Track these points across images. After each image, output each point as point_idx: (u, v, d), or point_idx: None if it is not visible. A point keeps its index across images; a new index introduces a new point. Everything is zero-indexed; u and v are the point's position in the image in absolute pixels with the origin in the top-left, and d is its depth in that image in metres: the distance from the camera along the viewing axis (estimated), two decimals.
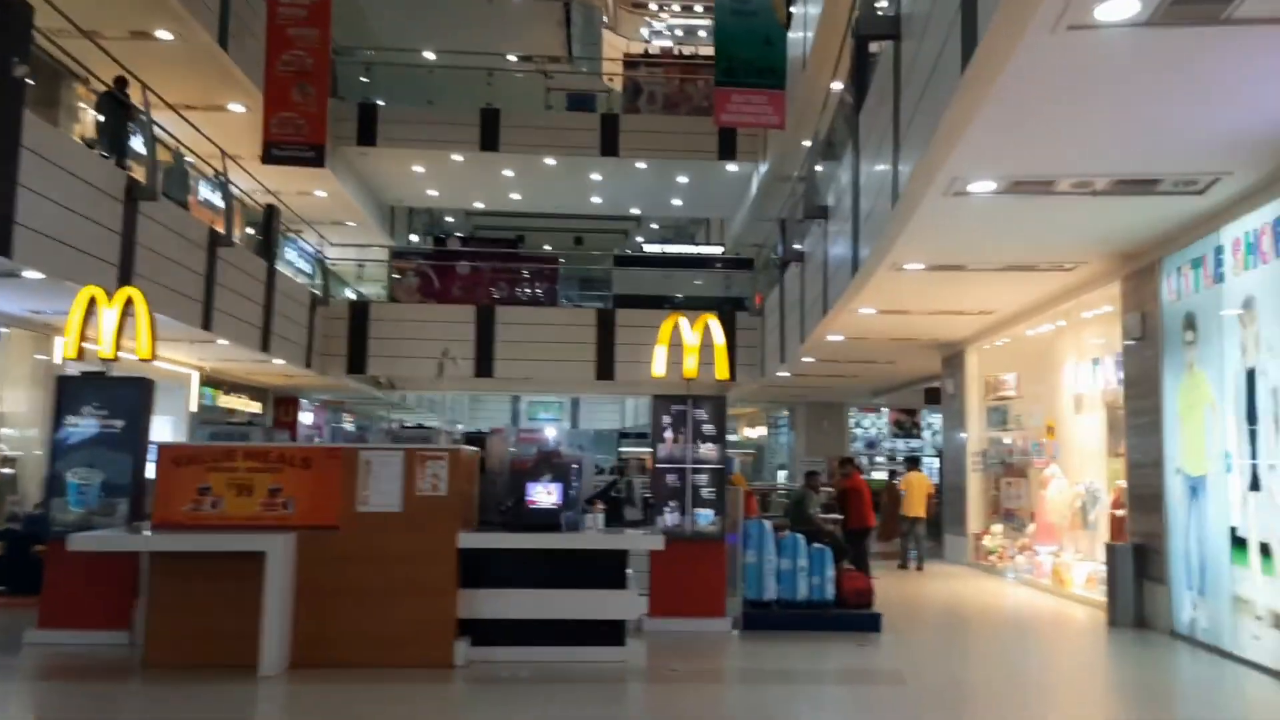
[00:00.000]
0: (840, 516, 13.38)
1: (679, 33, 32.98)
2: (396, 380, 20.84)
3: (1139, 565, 9.67)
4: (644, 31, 32.82)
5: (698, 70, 21.98)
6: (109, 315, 8.60)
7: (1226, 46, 5.16)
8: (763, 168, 20.51)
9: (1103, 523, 11.38)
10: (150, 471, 8.08)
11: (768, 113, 12.90)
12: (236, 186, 15.98)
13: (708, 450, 9.25)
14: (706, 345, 9.49)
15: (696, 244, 26.35)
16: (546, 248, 27.94)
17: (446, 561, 7.33)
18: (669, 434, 9.28)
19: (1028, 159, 7.00)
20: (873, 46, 10.05)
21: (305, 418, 24.78)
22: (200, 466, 7.45)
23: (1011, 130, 6.37)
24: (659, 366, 9.69)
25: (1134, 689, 7.74)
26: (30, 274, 9.66)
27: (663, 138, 20.93)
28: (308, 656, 7.17)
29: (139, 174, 11.66)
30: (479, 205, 26.18)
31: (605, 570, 7.65)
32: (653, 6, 32.89)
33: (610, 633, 7.61)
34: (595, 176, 22.59)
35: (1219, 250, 8.29)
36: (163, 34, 13.61)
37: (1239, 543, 7.94)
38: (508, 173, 22.27)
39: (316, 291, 18.79)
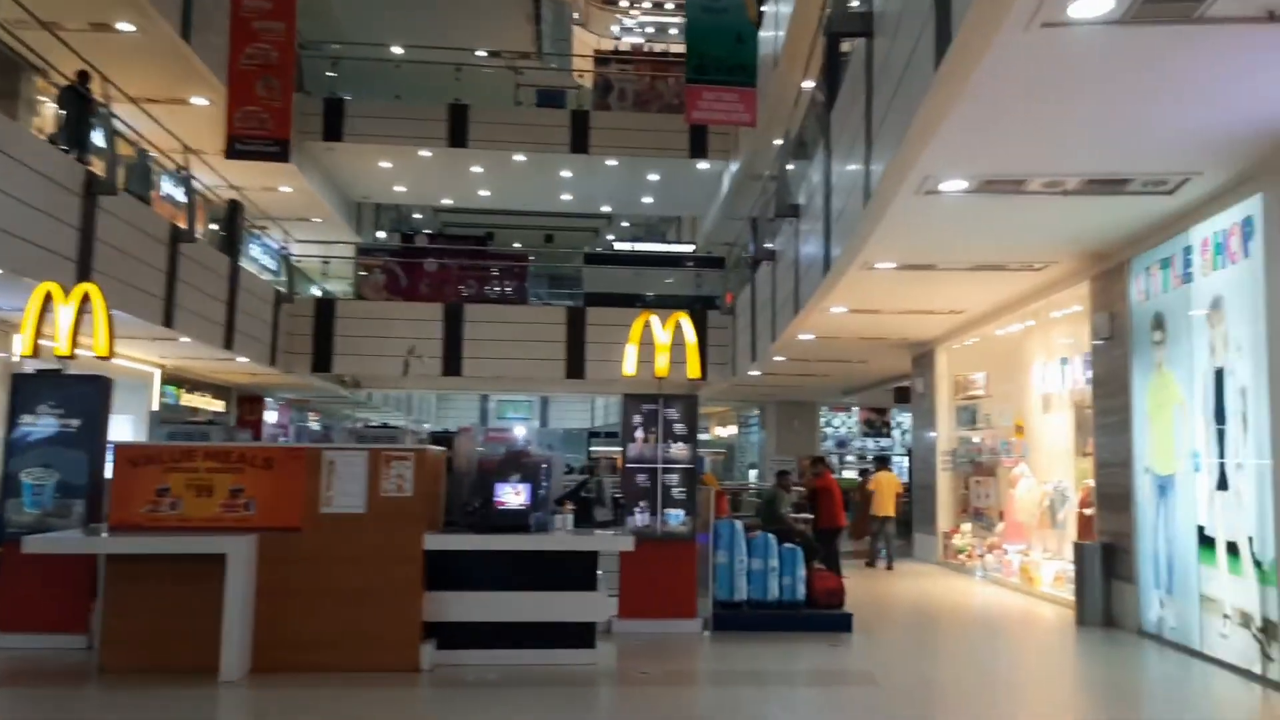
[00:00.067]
0: (811, 516, 13.36)
1: (650, 30, 32.92)
2: (362, 379, 20.61)
3: (1107, 564, 9.70)
4: (614, 28, 32.72)
5: (669, 67, 21.93)
6: (65, 312, 8.41)
7: (1198, 45, 5.14)
8: (734, 166, 20.48)
9: (1071, 522, 11.43)
10: (109, 472, 7.88)
11: (739, 110, 12.84)
12: (199, 181, 15.72)
13: (679, 450, 9.16)
14: (678, 344, 9.42)
15: (668, 242, 26.27)
16: (516, 245, 27.79)
17: (412, 563, 7.19)
18: (640, 433, 9.19)
19: (1000, 158, 6.98)
20: (844, 45, 10.02)
21: (270, 417, 24.46)
22: (158, 467, 7.26)
23: (984, 128, 6.33)
24: (630, 365, 9.60)
25: (1103, 688, 7.75)
26: None
27: (633, 135, 20.84)
28: (269, 661, 7.01)
29: (100, 169, 11.41)
30: (447, 202, 25.97)
31: (575, 572, 7.55)
32: (623, 3, 32.80)
33: (580, 635, 7.51)
34: (565, 173, 22.47)
35: (1188, 250, 8.32)
36: (124, 26, 13.35)
37: (1207, 542, 7.98)
38: (476, 169, 22.10)
39: (281, 289, 18.53)
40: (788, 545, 9.41)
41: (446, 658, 7.30)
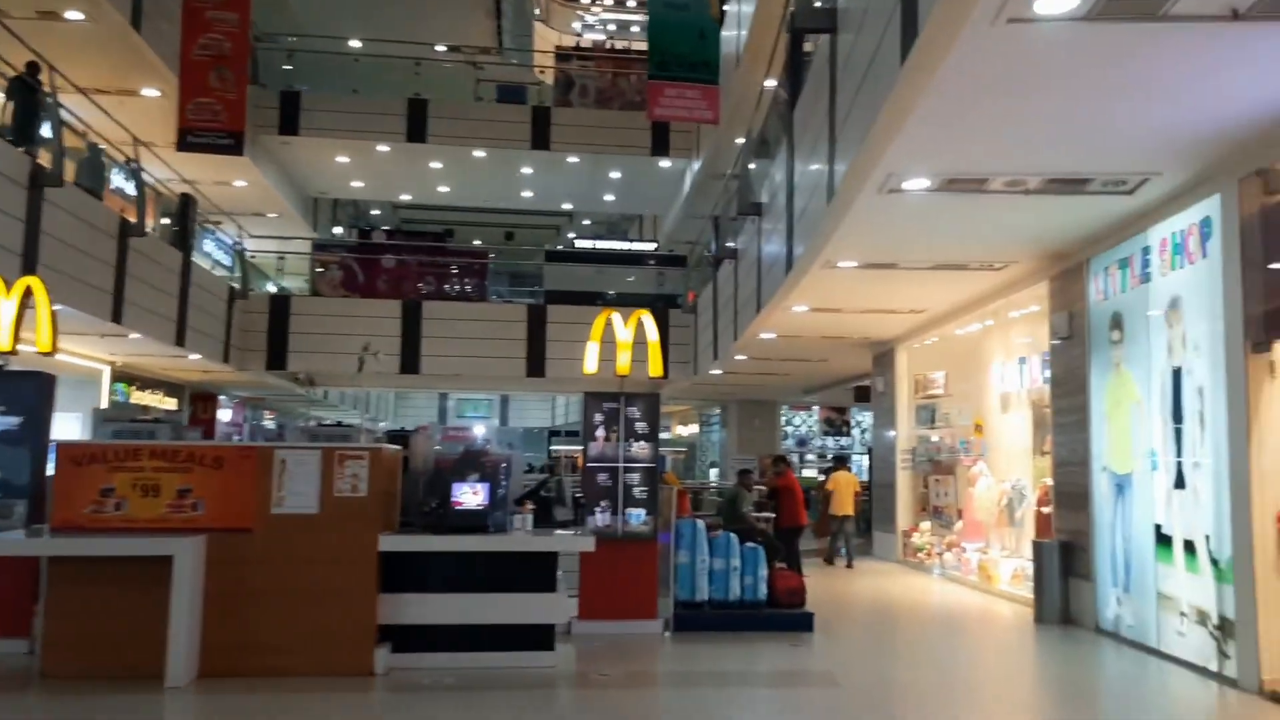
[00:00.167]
0: (773, 515, 13.33)
1: (611, 27, 32.79)
2: (318, 377, 20.28)
3: (1065, 562, 9.75)
4: (576, 25, 32.56)
5: (631, 65, 21.82)
6: (6, 306, 8.14)
7: (1162, 43, 5.14)
8: (696, 165, 20.43)
9: (1029, 520, 11.50)
10: (51, 471, 7.63)
11: (702, 107, 12.77)
12: (150, 175, 15.34)
13: (640, 448, 9.07)
14: (640, 342, 9.32)
15: (629, 240, 26.16)
16: (477, 243, 27.53)
17: (366, 565, 7.03)
18: (601, 432, 9.08)
19: (963, 156, 6.96)
20: (807, 45, 9.99)
21: (224, 415, 24.05)
22: (103, 466, 7.04)
23: (948, 125, 6.30)
24: (591, 363, 9.48)
25: (1062, 686, 7.77)
26: None
27: (595, 132, 20.71)
28: (218, 666, 6.83)
29: (47, 160, 11.08)
30: (406, 198, 25.68)
31: (534, 573, 7.42)
32: (585, 0, 32.65)
33: (539, 637, 7.38)
34: (526, 170, 22.29)
35: (1146, 251, 8.37)
36: (72, 14, 12.98)
37: (1164, 540, 8.03)
38: (436, 164, 21.85)
39: (235, 284, 18.18)
40: (749, 544, 9.35)
41: (401, 661, 7.14)
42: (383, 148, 20.65)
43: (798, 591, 9.39)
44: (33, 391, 8.04)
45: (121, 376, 17.85)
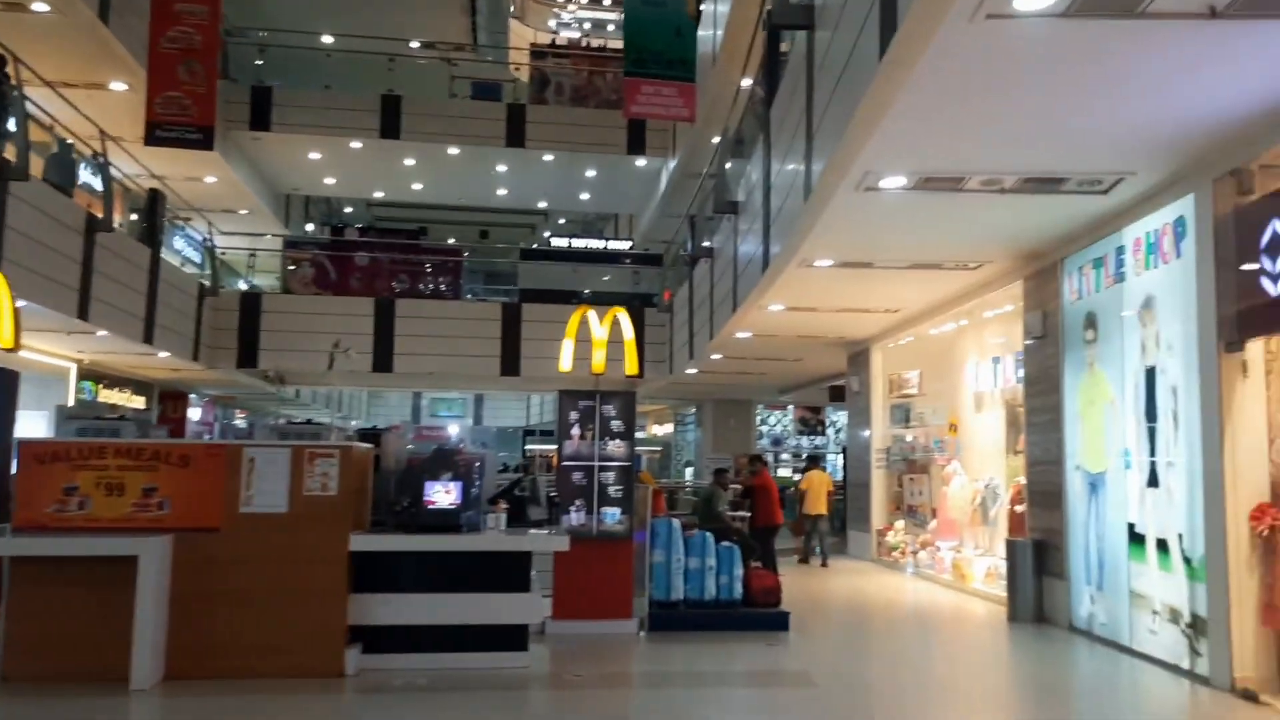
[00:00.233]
0: (748, 514, 13.31)
1: (587, 25, 32.68)
2: (289, 374, 20.06)
3: (1039, 561, 9.78)
4: (551, 23, 32.43)
5: (606, 63, 21.72)
6: None
7: (1140, 40, 5.13)
8: (672, 163, 20.38)
9: (1002, 519, 11.53)
10: (14, 469, 7.45)
11: (678, 105, 12.71)
12: (118, 169, 15.10)
13: (615, 447, 9.00)
14: (615, 341, 9.27)
15: (605, 239, 26.08)
16: (451, 241, 27.33)
17: (336, 565, 6.92)
18: (576, 430, 9.00)
19: (940, 154, 6.94)
20: (784, 45, 9.96)
21: (194, 414, 23.76)
22: (66, 464, 6.89)
23: (926, 122, 6.28)
24: (566, 361, 9.42)
25: (1036, 684, 7.77)
26: None
27: (570, 130, 20.61)
28: (185, 668, 6.71)
29: (11, 154, 10.86)
30: (379, 195, 25.47)
31: (507, 572, 7.34)
32: None
33: (512, 637, 7.30)
34: (501, 168, 22.15)
35: (1120, 250, 8.40)
36: (39, 6, 12.73)
37: (1137, 539, 8.06)
38: (409, 161, 21.67)
39: (205, 281, 17.94)
40: (725, 544, 9.31)
41: (372, 662, 7.04)
42: (356, 144, 20.45)
43: (773, 591, 9.36)
44: None
45: (89, 374, 17.58)
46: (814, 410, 27.47)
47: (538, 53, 22.33)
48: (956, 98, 5.90)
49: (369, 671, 6.97)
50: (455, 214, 28.35)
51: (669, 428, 31.31)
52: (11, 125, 11.17)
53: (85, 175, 14.36)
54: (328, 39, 21.61)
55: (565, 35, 31.59)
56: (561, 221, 29.76)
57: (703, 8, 16.68)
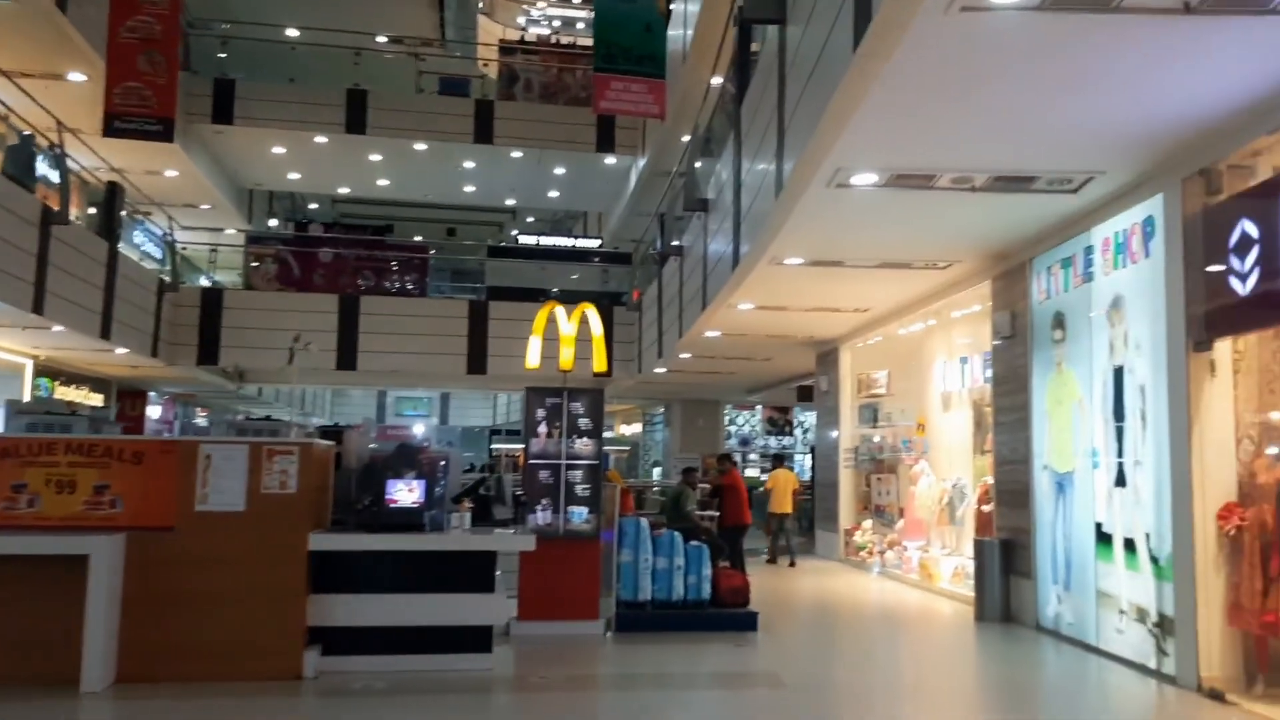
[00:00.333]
0: (716, 514, 13.24)
1: (557, 23, 32.50)
2: (252, 372, 19.74)
3: (1006, 560, 9.78)
4: (520, 19, 32.23)
5: (576, 60, 21.58)
6: None
7: (1115, 36, 5.10)
8: (641, 162, 20.29)
9: (969, 518, 11.54)
10: None
11: (648, 101, 12.61)
12: (76, 161, 14.77)
13: (583, 445, 8.87)
14: (583, 340, 9.15)
15: (574, 237, 25.94)
16: (418, 239, 27.07)
17: (295, 565, 6.75)
18: (543, 428, 8.87)
19: (911, 150, 6.89)
20: (754, 45, 9.90)
21: (153, 412, 23.35)
22: (14, 461, 6.68)
23: (898, 117, 6.23)
24: (533, 358, 9.29)
25: (1003, 684, 7.74)
26: None
27: (539, 127, 20.43)
28: (137, 670, 6.53)
29: None
30: (344, 191, 25.14)
31: (471, 573, 7.20)
32: None
33: (476, 639, 7.16)
34: (468, 164, 21.93)
35: (1089, 250, 8.41)
36: None
37: (1104, 538, 8.06)
38: (375, 157, 21.39)
39: (165, 277, 17.60)
40: (693, 543, 9.21)
41: (332, 665, 6.88)
42: (320, 139, 20.14)
43: (742, 591, 9.28)
44: None
45: (45, 371, 17.21)
46: (782, 410, 27.50)
47: (507, 49, 22.14)
48: (929, 93, 5.84)
49: (328, 674, 6.81)
50: (422, 211, 28.07)
51: (637, 427, 31.23)
52: None
53: (42, 168, 14.02)
54: (293, 32, 21.26)
55: (535, 32, 31.39)
56: (530, 219, 29.57)
57: (673, 6, 16.60)
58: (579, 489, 8.79)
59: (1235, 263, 6.43)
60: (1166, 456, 7.11)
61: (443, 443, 10.36)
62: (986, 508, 10.68)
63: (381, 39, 22.75)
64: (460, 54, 25.54)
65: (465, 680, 6.86)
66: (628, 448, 30.93)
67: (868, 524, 14.72)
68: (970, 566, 10.44)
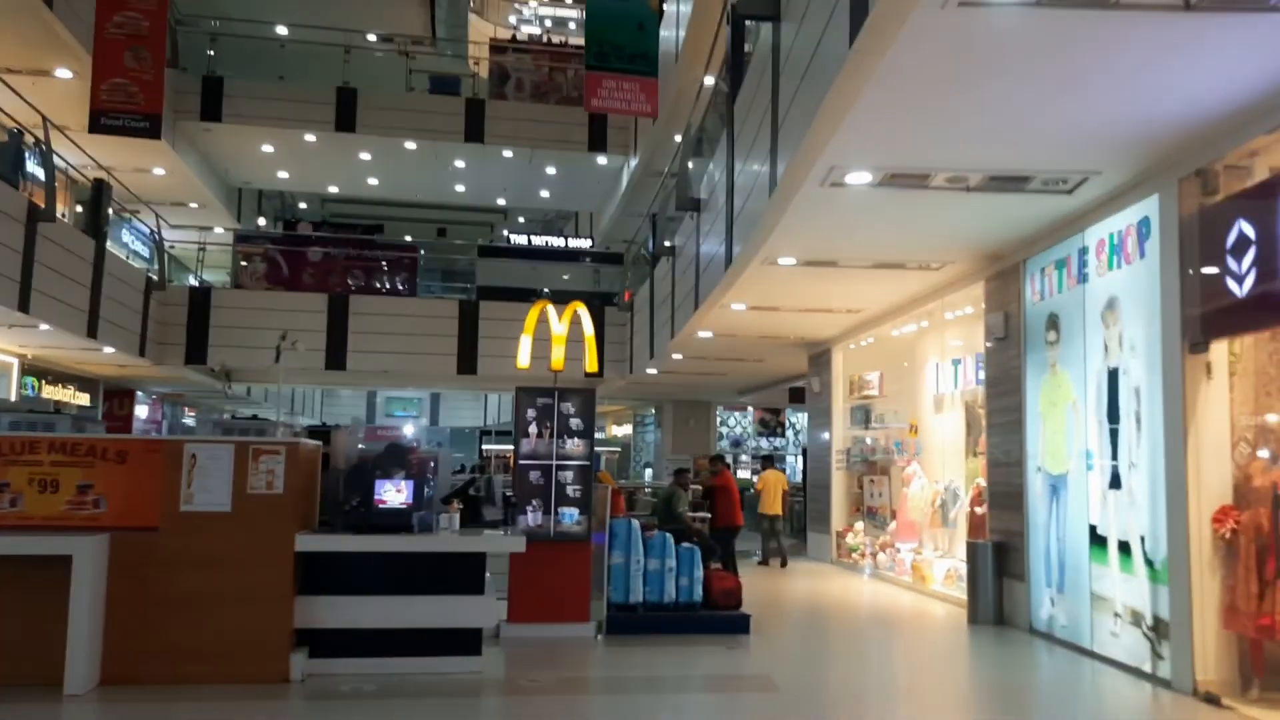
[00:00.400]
0: (708, 515, 13.17)
1: (548, 22, 32.42)
2: (240, 371, 19.61)
3: (999, 563, 9.73)
4: (512, 18, 32.13)
5: (568, 59, 21.48)
6: None
7: (1113, 33, 5.05)
8: (633, 162, 20.21)
9: (962, 520, 11.49)
10: None
11: (640, 100, 12.53)
12: (63, 159, 14.63)
13: (574, 446, 8.79)
14: (575, 340, 9.07)
15: (565, 237, 25.85)
16: (408, 239, 26.95)
17: (282, 566, 6.66)
18: (533, 429, 8.78)
19: (906, 149, 6.84)
20: (746, 46, 9.84)
21: (141, 411, 23.18)
22: None
23: (894, 114, 6.16)
24: (524, 357, 9.21)
25: (998, 688, 7.69)
26: None
27: (531, 126, 20.34)
28: (121, 673, 6.43)
29: None
30: (334, 190, 25.00)
31: (461, 574, 7.11)
32: None
33: (465, 641, 7.07)
34: (459, 163, 21.83)
35: (1083, 251, 8.36)
36: None
37: (1098, 541, 8.01)
38: (365, 156, 21.27)
39: (152, 275, 17.46)
40: (685, 545, 9.14)
41: (319, 667, 6.79)
42: (310, 137, 20.02)
43: (734, 593, 9.21)
44: None
45: (32, 370, 17.06)
46: (773, 412, 27.47)
47: (498, 47, 22.02)
48: (925, 91, 5.78)
49: (315, 677, 6.72)
50: (412, 210, 27.93)
51: (628, 428, 31.15)
52: None
53: (30, 165, 13.88)
54: (282, 30, 21.13)
55: (526, 31, 31.29)
56: (521, 219, 29.46)
57: (665, 7, 16.53)
58: (570, 490, 8.71)
59: (1232, 264, 6.39)
60: (1162, 459, 7.06)
61: (432, 443, 10.26)
62: (979, 510, 10.63)
63: (372, 37, 22.63)
64: (451, 52, 25.42)
65: (454, 683, 6.78)
66: (619, 448, 30.85)
67: (860, 526, 14.67)
68: (963, 569, 10.38)
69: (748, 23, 9.30)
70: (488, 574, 7.36)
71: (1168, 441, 7.00)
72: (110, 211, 15.70)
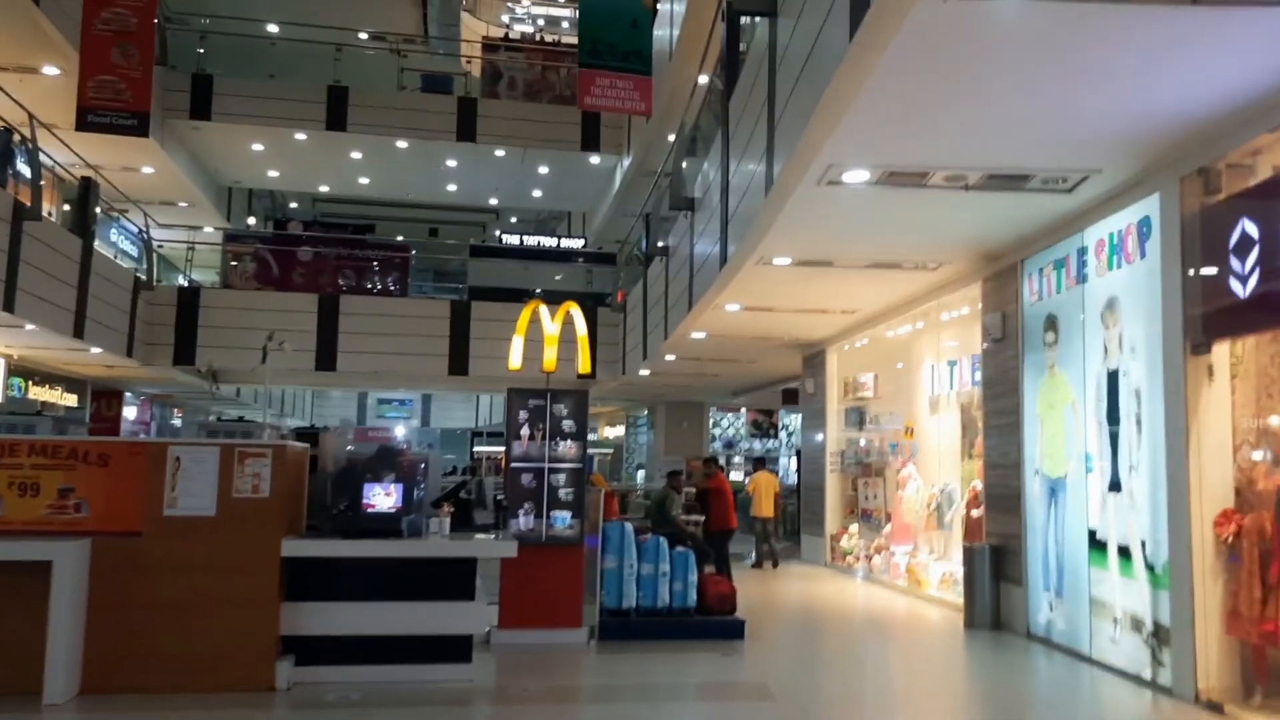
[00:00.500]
0: (702, 518, 13.05)
1: (541, 22, 32.28)
2: (229, 372, 19.42)
3: (996, 566, 9.62)
4: (505, 17, 31.98)
5: (560, 58, 21.37)
6: None
7: (1117, 27, 4.93)
8: (626, 161, 20.11)
9: (957, 523, 11.39)
10: None
11: (634, 98, 12.40)
12: (50, 157, 14.46)
13: (567, 448, 8.66)
14: (567, 341, 8.94)
15: (558, 237, 25.72)
16: (399, 238, 26.80)
17: (268, 571, 6.51)
18: (525, 431, 8.65)
19: (905, 147, 6.72)
20: (741, 45, 9.73)
21: (130, 413, 22.99)
22: None
23: (893, 111, 6.05)
24: (515, 358, 9.08)
25: (998, 695, 7.57)
26: None
27: (523, 125, 20.22)
28: (103, 681, 6.28)
29: None
30: (324, 189, 24.85)
31: (451, 580, 6.97)
32: None
33: (455, 648, 6.94)
34: (451, 163, 21.69)
35: (1082, 251, 8.26)
36: None
37: (1098, 545, 7.91)
38: (356, 155, 21.12)
39: (140, 275, 17.28)
40: (679, 549, 9.02)
41: (306, 675, 6.65)
42: (300, 136, 19.86)
43: (729, 598, 9.09)
44: None
45: (19, 371, 16.88)
46: (767, 413, 27.36)
47: (490, 46, 21.89)
48: (925, 86, 5.67)
49: (302, 685, 6.58)
50: (404, 210, 27.79)
51: (620, 430, 31.03)
52: None
53: (17, 162, 13.71)
54: (273, 27, 20.97)
55: (519, 30, 31.15)
56: (513, 219, 29.33)
57: (659, 5, 16.43)
58: (562, 493, 8.58)
59: (1235, 264, 6.29)
60: (1163, 461, 6.96)
61: (422, 445, 10.12)
62: (975, 512, 10.53)
63: (363, 35, 22.47)
64: (443, 51, 25.29)
65: (444, 691, 6.64)
66: (611, 450, 30.73)
67: (854, 528, 14.57)
68: (958, 572, 10.28)
69: (744, 18, 9.20)
70: (478, 579, 7.22)
71: (1169, 444, 6.90)
72: (98, 210, 15.55)
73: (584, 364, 9.14)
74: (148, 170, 18.97)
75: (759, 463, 17.06)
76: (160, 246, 19.40)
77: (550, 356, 8.88)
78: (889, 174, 7.24)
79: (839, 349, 15.28)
